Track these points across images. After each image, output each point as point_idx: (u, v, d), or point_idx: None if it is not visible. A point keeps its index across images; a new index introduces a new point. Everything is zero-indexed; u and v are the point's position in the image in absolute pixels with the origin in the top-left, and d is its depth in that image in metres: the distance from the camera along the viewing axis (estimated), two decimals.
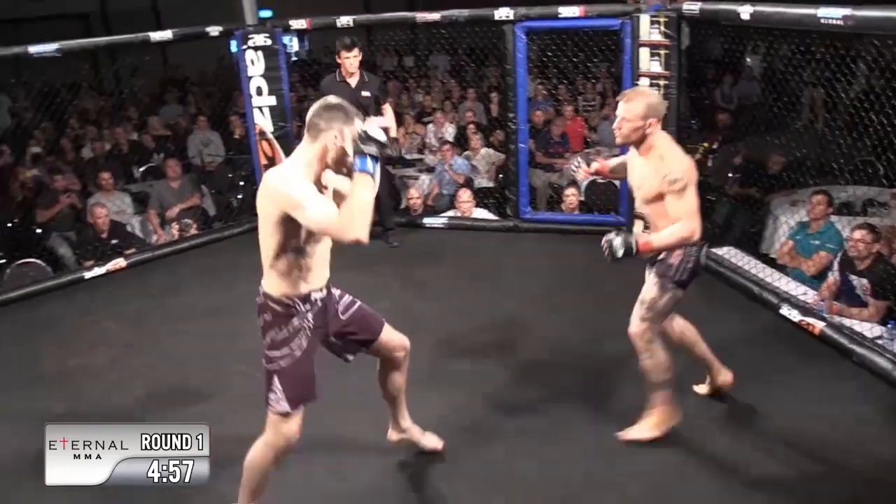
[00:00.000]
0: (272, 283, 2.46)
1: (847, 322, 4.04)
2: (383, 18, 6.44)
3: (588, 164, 3.49)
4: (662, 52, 5.10)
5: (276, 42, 6.05)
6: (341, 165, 2.41)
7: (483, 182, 7.19)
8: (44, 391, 3.90)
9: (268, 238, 2.41)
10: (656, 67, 5.16)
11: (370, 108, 5.44)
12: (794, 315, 4.17)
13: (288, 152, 6.23)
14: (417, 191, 6.67)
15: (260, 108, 6.15)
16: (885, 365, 3.60)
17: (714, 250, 5.15)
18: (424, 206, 6.67)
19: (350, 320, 2.67)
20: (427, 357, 4.02)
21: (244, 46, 6.01)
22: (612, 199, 6.20)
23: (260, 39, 5.99)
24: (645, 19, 5.13)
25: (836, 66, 5.23)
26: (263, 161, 6.24)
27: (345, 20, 5.87)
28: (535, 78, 8.89)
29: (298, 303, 2.47)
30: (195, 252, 5.89)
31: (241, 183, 7.27)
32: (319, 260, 2.50)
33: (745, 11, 4.25)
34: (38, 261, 5.62)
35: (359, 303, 2.74)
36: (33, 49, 5.06)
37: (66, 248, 5.99)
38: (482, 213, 6.25)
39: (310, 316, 2.50)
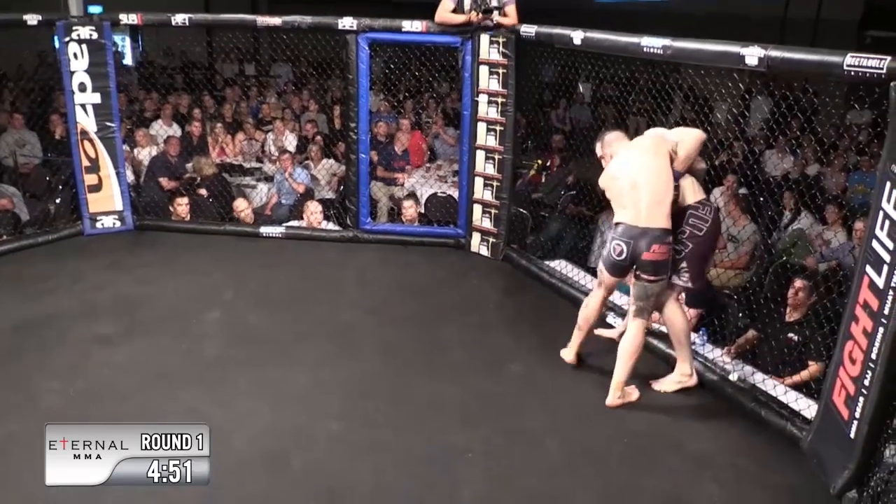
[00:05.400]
0: None
1: (665, 329, 4.32)
2: (222, 20, 6.23)
3: None
4: (501, 70, 5.28)
5: (104, 36, 5.66)
6: None
7: (324, 193, 7.09)
8: None
9: None
10: (494, 85, 5.34)
11: None
12: (618, 322, 4.42)
13: (114, 154, 5.89)
14: (245, 202, 6.39)
15: (83, 106, 5.73)
16: (697, 367, 3.90)
17: (547, 262, 5.38)
18: (259, 217, 6.47)
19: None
20: (258, 369, 3.89)
21: (66, 38, 5.59)
22: (450, 212, 6.32)
23: (85, 32, 5.58)
24: (485, 38, 5.29)
25: (656, 96, 5.65)
26: (86, 163, 5.82)
27: (180, 18, 5.59)
28: (380, 91, 8.92)
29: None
30: (3, 260, 5.35)
31: (60, 187, 6.72)
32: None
33: (577, 37, 4.50)
34: None
35: None
36: None
37: None
38: (323, 224, 6.15)
39: None
